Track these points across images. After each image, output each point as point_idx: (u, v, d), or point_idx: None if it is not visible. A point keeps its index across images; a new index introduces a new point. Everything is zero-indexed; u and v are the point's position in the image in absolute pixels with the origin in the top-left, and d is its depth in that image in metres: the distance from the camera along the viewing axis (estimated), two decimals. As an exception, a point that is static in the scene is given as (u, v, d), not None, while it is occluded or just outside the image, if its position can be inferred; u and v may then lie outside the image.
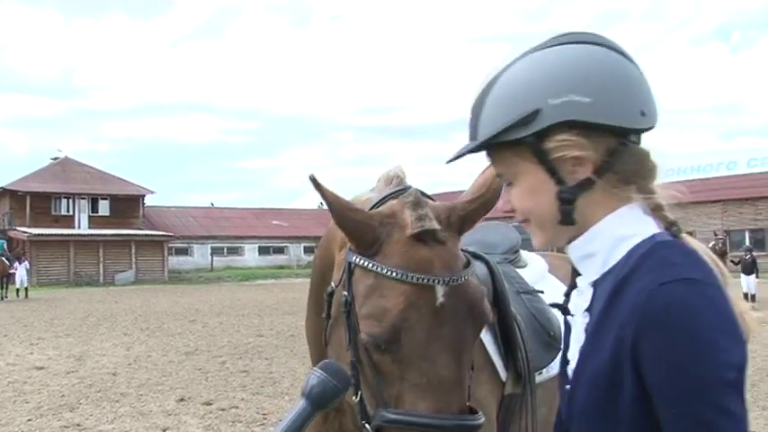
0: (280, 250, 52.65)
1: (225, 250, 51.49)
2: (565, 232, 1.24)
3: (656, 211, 1.22)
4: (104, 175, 48.22)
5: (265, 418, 7.43)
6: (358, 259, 1.50)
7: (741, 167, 39.47)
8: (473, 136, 1.25)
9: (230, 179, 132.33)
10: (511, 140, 1.19)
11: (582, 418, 1.19)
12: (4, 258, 27.14)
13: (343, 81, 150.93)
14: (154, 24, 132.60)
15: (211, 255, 50.20)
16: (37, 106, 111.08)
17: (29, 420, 7.48)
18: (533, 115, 1.16)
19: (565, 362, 1.31)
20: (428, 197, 1.66)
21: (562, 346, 1.36)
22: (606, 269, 1.20)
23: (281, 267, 49.51)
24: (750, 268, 18.04)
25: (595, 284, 1.22)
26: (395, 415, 1.39)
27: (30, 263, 33.74)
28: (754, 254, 19.69)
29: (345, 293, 1.52)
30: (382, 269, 1.45)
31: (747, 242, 33.11)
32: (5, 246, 29.05)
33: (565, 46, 1.20)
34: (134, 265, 42.44)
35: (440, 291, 1.43)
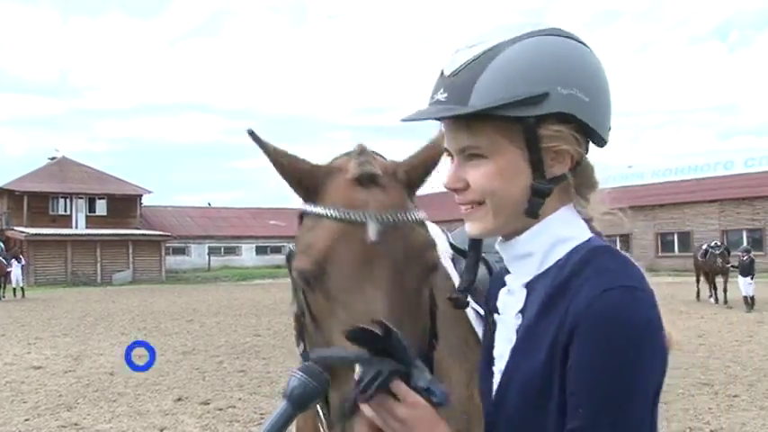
0: (277, 250, 52.58)
1: (222, 250, 51.51)
2: (516, 223, 1.21)
3: (587, 222, 1.23)
4: (101, 175, 48.15)
5: (262, 418, 7.42)
6: (303, 208, 1.48)
7: (738, 167, 39.50)
8: (461, 101, 1.15)
9: (227, 179, 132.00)
10: (509, 117, 1.13)
11: (509, 424, 1.18)
12: (0, 258, 27.08)
13: (340, 81, 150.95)
14: (151, 23, 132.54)
15: (208, 254, 50.20)
16: (34, 106, 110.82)
17: (26, 420, 7.47)
18: (542, 97, 1.13)
19: (489, 360, 1.29)
20: (381, 157, 1.60)
21: (483, 344, 1.34)
22: (541, 270, 1.20)
23: (279, 267, 49.42)
24: (747, 270, 17.88)
25: (529, 286, 1.22)
26: (316, 354, 1.33)
27: (27, 262, 33.80)
28: (753, 254, 19.55)
29: (291, 245, 1.51)
30: (318, 209, 1.42)
31: (745, 242, 33.17)
32: (2, 246, 29.03)
33: (570, 41, 1.20)
34: (131, 265, 42.39)
35: (372, 228, 1.36)
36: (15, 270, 28.05)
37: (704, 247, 20.45)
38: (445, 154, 1.27)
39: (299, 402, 1.20)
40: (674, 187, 40.44)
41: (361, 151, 1.47)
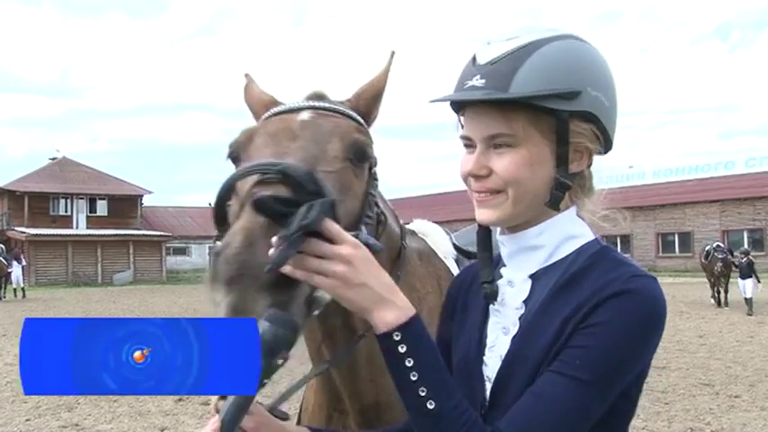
0: (278, 250, 52.57)
1: (223, 250, 51.37)
2: (530, 214, 1.25)
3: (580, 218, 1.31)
4: (102, 176, 48.18)
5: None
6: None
7: (739, 167, 39.50)
8: (501, 87, 1.19)
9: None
10: (546, 108, 1.19)
11: (513, 402, 1.17)
12: (1, 258, 27.06)
13: (341, 80, 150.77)
14: (152, 24, 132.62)
15: (209, 255, 49.98)
16: (35, 106, 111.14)
17: (27, 420, 7.48)
18: (575, 94, 1.21)
19: (479, 350, 1.30)
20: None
21: (468, 335, 1.35)
22: (549, 263, 1.25)
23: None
24: (746, 271, 17.76)
25: (534, 277, 1.26)
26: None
27: (28, 262, 33.95)
28: (753, 255, 19.46)
29: None
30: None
31: (746, 242, 33.15)
32: (3, 247, 29.03)
33: (595, 49, 1.28)
34: (132, 265, 42.42)
35: (305, 112, 1.47)
36: (16, 271, 28.11)
37: (706, 248, 20.34)
38: (463, 142, 1.29)
39: (272, 350, 1.09)
40: (675, 187, 40.44)
41: (312, 93, 1.57)
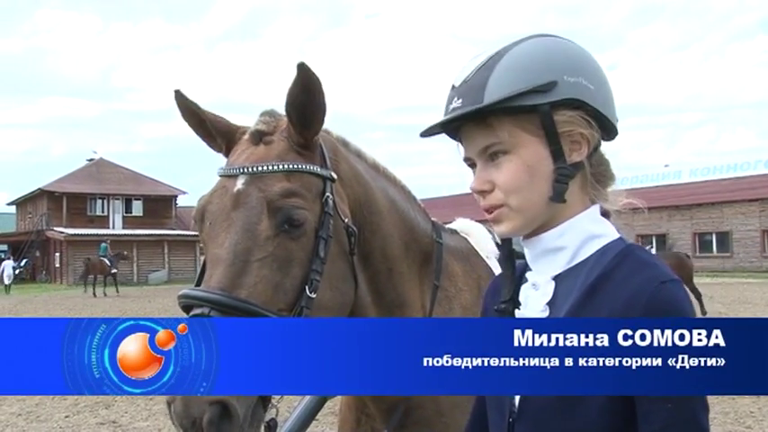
0: (310, 250, 52.84)
1: (256, 250, 51.78)
2: (542, 217, 1.23)
3: (605, 217, 1.27)
4: (137, 176, 48.94)
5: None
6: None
7: (779, 165, 38.55)
8: (476, 100, 1.20)
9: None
10: (524, 106, 1.18)
11: (541, 412, 1.16)
12: (105, 259, 30.04)
13: (376, 80, 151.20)
14: (191, 27, 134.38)
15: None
16: (76, 108, 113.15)
17: (66, 417, 7.64)
18: (551, 85, 1.19)
19: None
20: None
21: None
22: (572, 264, 1.23)
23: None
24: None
25: (557, 279, 1.24)
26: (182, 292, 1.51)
27: (28, 260, 38.23)
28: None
29: None
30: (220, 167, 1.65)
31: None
32: (107, 246, 31.96)
33: (570, 41, 1.27)
34: (167, 265, 43.01)
35: (240, 179, 1.56)
36: (7, 270, 32.17)
37: None
38: (467, 164, 1.31)
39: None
40: (713, 186, 39.58)
41: (269, 112, 1.68)
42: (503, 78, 1.19)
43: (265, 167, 1.56)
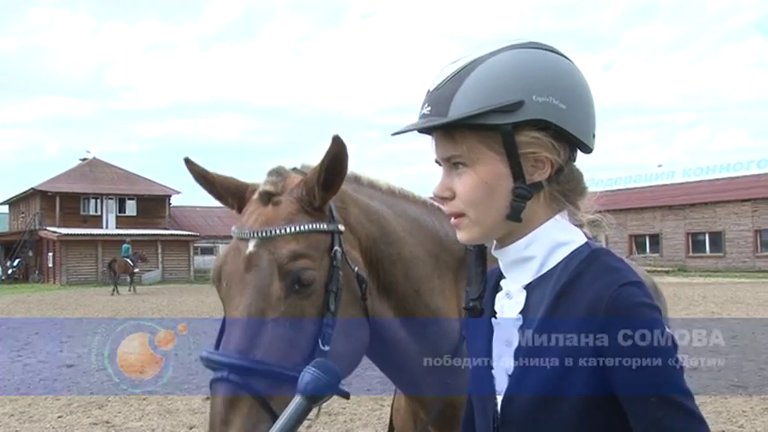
0: (304, 250, 52.78)
1: (250, 250, 51.66)
2: (501, 230, 1.25)
3: (579, 228, 1.28)
4: (131, 176, 48.83)
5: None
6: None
7: (772, 166, 38.69)
8: (441, 112, 1.21)
9: (258, 179, 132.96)
10: (487, 125, 1.18)
11: (528, 418, 1.19)
12: (128, 260, 31.45)
13: (371, 79, 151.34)
14: (185, 26, 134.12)
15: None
16: (69, 108, 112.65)
17: (59, 417, 7.60)
18: (517, 105, 1.18)
19: (488, 362, 1.30)
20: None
21: (476, 348, 1.35)
22: (541, 273, 1.24)
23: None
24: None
25: (528, 288, 1.25)
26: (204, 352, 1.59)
27: (21, 260, 38.51)
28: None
29: None
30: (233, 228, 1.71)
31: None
32: (129, 247, 33.08)
33: (546, 52, 1.25)
34: (160, 265, 42.93)
35: (252, 242, 1.61)
36: None
37: None
38: (436, 163, 1.32)
39: (312, 397, 1.26)
40: (706, 186, 39.76)
41: (276, 170, 1.73)
42: (469, 94, 1.19)
43: (274, 231, 1.61)
